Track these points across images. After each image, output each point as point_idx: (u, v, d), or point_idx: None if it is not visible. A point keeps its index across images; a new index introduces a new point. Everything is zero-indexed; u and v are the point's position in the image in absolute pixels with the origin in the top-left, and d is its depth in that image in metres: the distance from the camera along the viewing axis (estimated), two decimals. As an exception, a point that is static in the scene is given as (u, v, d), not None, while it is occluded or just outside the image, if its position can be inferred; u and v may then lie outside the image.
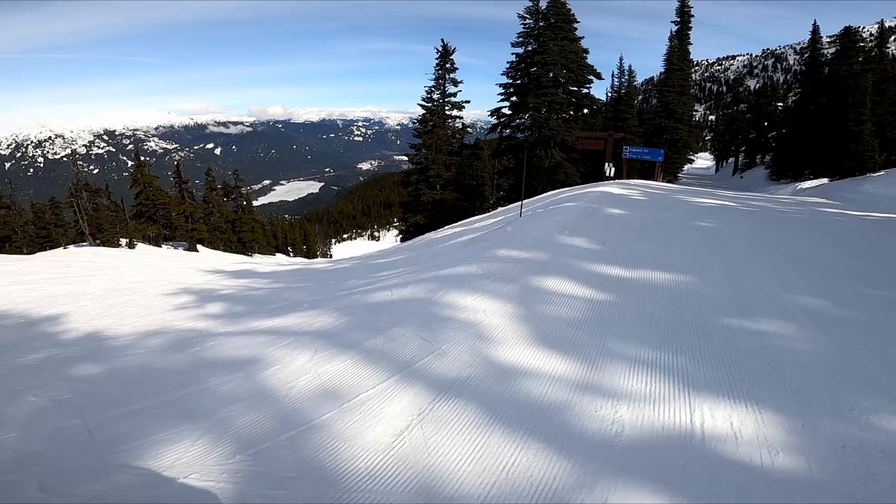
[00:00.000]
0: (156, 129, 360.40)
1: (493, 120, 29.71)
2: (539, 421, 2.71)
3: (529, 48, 27.21)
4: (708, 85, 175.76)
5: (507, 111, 29.05)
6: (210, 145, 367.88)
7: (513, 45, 27.79)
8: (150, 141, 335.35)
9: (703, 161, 54.03)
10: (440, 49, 28.64)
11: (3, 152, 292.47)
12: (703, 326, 3.87)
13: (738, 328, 3.82)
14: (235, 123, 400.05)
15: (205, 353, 4.29)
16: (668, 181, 27.77)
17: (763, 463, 2.33)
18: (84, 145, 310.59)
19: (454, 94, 29.46)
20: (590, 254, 6.01)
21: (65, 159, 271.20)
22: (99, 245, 26.56)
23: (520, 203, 11.01)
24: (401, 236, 33.80)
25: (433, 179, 28.79)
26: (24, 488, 2.29)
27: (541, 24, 26.66)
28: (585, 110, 30.06)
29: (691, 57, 35.00)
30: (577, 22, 27.30)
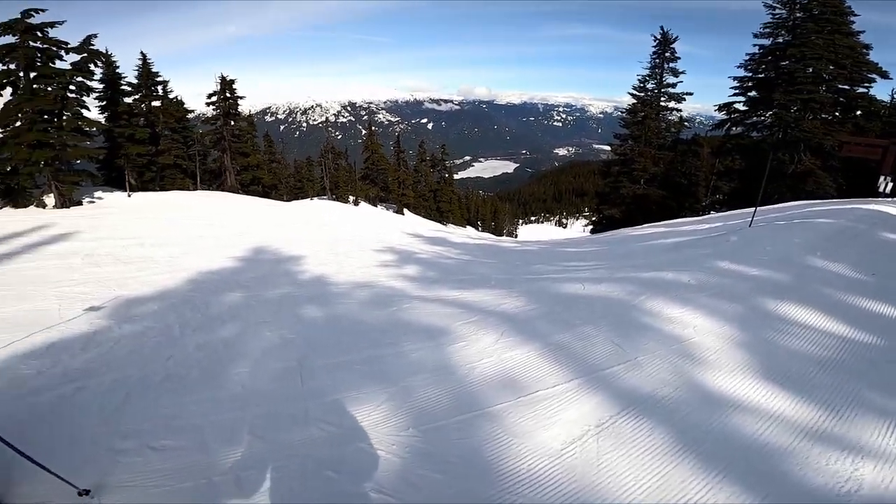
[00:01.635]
0: (384, 102, 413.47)
1: (720, 115, 25.73)
2: (743, 461, 2.24)
3: (780, 40, 22.83)
4: None
5: (740, 107, 24.88)
6: (424, 120, 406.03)
7: (756, 35, 23.64)
8: (379, 113, 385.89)
9: None
10: (658, 37, 25.82)
11: (280, 117, 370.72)
12: None
13: None
14: (446, 101, 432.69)
15: (401, 315, 4.66)
16: (981, 208, 20.26)
17: None
18: (334, 114, 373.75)
19: (673, 85, 26.40)
20: (850, 283, 4.68)
21: (320, 125, 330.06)
22: (334, 199, 31.93)
23: (752, 210, 9.27)
24: (591, 227, 32.36)
25: (637, 173, 26.54)
26: (238, 428, 2.66)
27: (797, 14, 22.08)
28: (858, 112, 23.88)
29: None
30: (855, 15, 21.99)
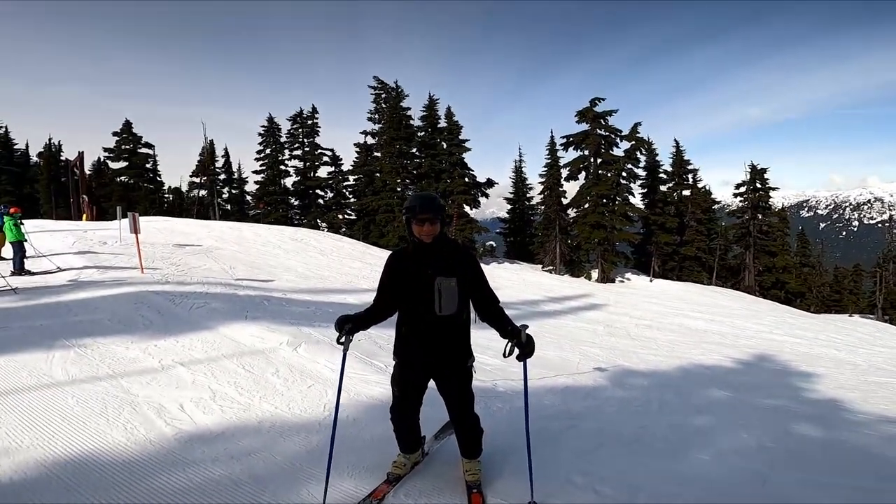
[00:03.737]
0: None
1: None
2: None
3: None
4: None
5: None
6: None
7: None
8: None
9: None
10: None
11: (820, 212, 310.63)
12: None
13: None
14: None
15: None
16: None
17: None
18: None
19: None
20: None
21: (879, 225, 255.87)
22: (886, 321, 24.08)
23: None
24: None
25: None
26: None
27: None
28: None
29: None
30: None
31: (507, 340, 2.44)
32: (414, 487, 2.65)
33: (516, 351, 2.40)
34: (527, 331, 2.41)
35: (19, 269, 8.94)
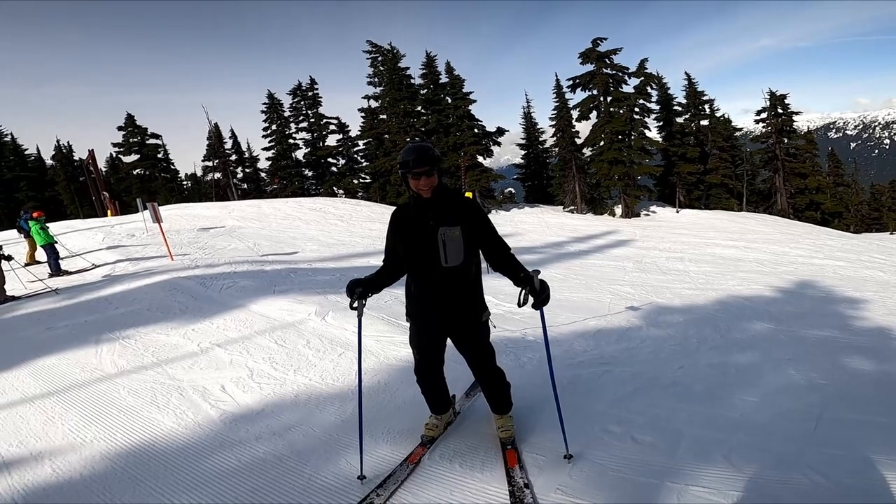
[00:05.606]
0: None
1: None
2: None
3: None
4: None
5: None
6: None
7: None
8: None
9: None
10: None
11: (849, 133, 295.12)
12: None
13: None
14: None
15: None
16: None
17: None
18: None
19: None
20: None
21: None
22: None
23: None
24: None
25: None
26: (714, 449, 2.49)
27: None
28: None
29: None
30: None
31: (520, 288, 2.32)
32: (448, 448, 2.67)
33: (531, 299, 2.27)
34: (540, 276, 2.27)
35: (56, 270, 9.26)
